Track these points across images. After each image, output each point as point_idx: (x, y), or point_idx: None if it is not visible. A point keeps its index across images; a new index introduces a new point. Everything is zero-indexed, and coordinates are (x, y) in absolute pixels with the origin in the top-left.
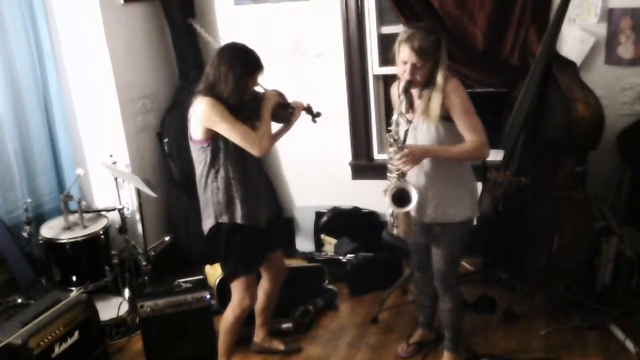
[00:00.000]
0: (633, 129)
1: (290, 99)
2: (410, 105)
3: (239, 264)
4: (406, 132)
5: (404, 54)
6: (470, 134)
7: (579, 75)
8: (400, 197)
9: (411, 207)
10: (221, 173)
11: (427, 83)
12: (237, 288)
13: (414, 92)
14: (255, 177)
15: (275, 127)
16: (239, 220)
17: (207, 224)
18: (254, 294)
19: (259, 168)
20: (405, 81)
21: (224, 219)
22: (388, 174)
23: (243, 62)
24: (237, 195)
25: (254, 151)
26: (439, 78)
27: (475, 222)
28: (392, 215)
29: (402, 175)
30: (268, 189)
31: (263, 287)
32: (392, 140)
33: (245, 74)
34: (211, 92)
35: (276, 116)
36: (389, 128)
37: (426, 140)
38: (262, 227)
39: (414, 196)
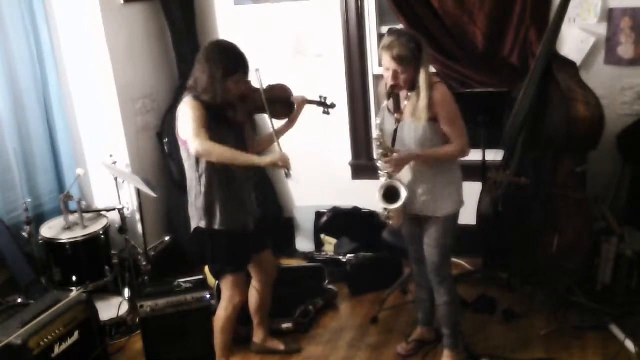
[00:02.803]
0: (633, 129)
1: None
2: (398, 106)
3: (226, 265)
4: (395, 131)
5: (385, 61)
6: (455, 138)
7: (579, 75)
8: (390, 194)
9: (400, 204)
10: (204, 178)
11: (413, 86)
12: (226, 286)
13: (402, 94)
14: (241, 184)
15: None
16: (216, 227)
17: (191, 225)
18: (244, 291)
19: (248, 175)
20: (390, 86)
21: (202, 223)
22: (379, 172)
23: (221, 61)
24: (217, 201)
25: (191, 144)
26: (422, 82)
27: (475, 222)
28: (384, 209)
29: (390, 175)
30: (261, 193)
31: (254, 288)
32: (378, 143)
33: (222, 74)
34: (194, 90)
35: (276, 112)
36: (376, 133)
37: (413, 139)
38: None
39: (403, 194)
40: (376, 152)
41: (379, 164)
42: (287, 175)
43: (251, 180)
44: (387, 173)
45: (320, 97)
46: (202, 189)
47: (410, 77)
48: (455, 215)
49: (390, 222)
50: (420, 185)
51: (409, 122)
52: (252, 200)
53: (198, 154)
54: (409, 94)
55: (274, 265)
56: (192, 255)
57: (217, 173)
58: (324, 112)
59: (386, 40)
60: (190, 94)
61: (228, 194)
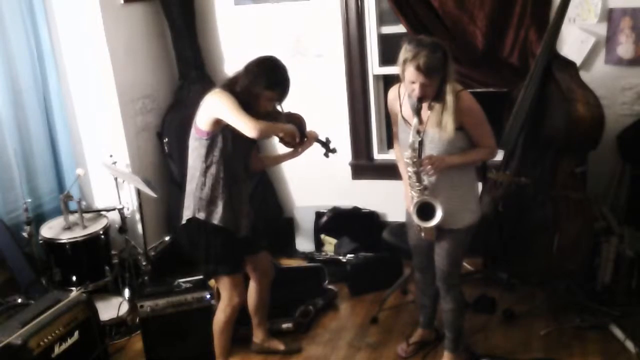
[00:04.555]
0: (633, 129)
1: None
2: (419, 116)
3: (219, 265)
4: (420, 143)
5: (411, 74)
6: (483, 141)
7: (579, 75)
8: (424, 210)
9: (435, 222)
10: (212, 170)
11: (436, 96)
12: (224, 287)
13: (423, 105)
14: (242, 185)
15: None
16: (215, 221)
17: (184, 215)
18: (242, 292)
19: (247, 177)
20: (417, 99)
21: (201, 215)
22: (412, 192)
23: (268, 73)
24: (221, 197)
25: (249, 129)
26: (448, 93)
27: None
28: (418, 226)
29: (425, 189)
30: (261, 193)
31: (252, 289)
32: (411, 162)
33: (264, 84)
34: (229, 86)
35: (287, 141)
36: (409, 155)
37: (437, 149)
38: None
39: (439, 212)
40: (408, 170)
41: (411, 181)
42: (296, 146)
43: (249, 183)
44: (421, 189)
45: (326, 139)
46: (208, 181)
47: (436, 87)
48: (470, 227)
49: (423, 236)
50: (438, 196)
51: (432, 133)
52: (248, 204)
53: (260, 135)
54: (431, 103)
55: (270, 267)
56: (192, 255)
57: (225, 169)
58: (325, 155)
59: (409, 51)
60: (221, 87)
61: (230, 192)
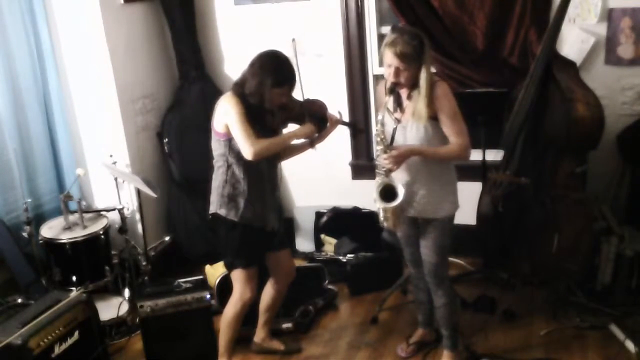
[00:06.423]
0: (633, 129)
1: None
2: (399, 105)
3: (236, 258)
4: (394, 130)
5: (388, 58)
6: (455, 137)
7: (579, 75)
8: (387, 193)
9: (397, 202)
10: (233, 170)
11: (415, 84)
12: (238, 280)
13: (403, 93)
14: (265, 184)
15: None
16: (235, 218)
17: (210, 209)
18: (255, 288)
19: (272, 175)
20: (391, 83)
21: (222, 211)
22: (376, 171)
23: (273, 72)
24: (242, 196)
25: (244, 150)
26: (423, 80)
27: (475, 222)
28: (381, 209)
29: (389, 171)
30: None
31: (270, 286)
32: (378, 139)
33: (270, 83)
34: (239, 88)
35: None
36: (376, 128)
37: (415, 139)
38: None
39: (400, 192)
40: (376, 149)
41: (378, 160)
42: (313, 144)
43: (274, 179)
44: (386, 171)
45: (351, 120)
46: (230, 180)
47: (412, 75)
48: (452, 217)
49: (386, 224)
50: (419, 187)
51: (411, 122)
52: (276, 198)
53: (255, 157)
54: (411, 93)
55: (292, 266)
56: (193, 255)
57: (245, 169)
58: (352, 135)
59: (389, 37)
60: (232, 90)
61: (252, 191)
